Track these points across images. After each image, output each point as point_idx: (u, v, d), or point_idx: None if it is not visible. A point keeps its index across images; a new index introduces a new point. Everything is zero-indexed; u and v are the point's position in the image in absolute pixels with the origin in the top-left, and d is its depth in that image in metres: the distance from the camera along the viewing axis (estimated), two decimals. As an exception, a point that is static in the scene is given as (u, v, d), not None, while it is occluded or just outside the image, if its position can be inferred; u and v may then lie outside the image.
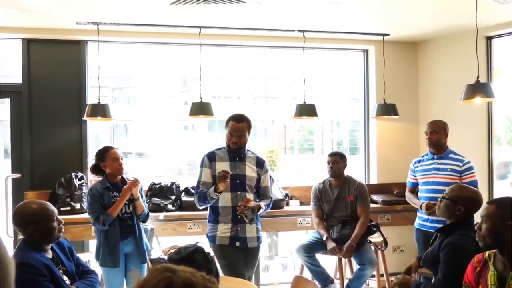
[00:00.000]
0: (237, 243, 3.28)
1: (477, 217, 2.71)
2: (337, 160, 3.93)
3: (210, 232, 3.36)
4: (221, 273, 3.35)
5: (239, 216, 3.23)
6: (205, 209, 3.54)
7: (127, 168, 3.52)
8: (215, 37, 4.52)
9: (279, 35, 4.54)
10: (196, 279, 1.02)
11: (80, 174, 4.32)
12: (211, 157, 3.38)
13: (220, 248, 3.30)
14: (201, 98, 4.08)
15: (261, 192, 3.46)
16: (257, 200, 3.38)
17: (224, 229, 3.29)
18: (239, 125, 3.29)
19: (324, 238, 3.83)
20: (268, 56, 5.42)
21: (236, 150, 3.34)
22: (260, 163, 3.44)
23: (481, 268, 2.12)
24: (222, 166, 3.31)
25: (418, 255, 3.70)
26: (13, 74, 4.46)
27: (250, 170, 3.36)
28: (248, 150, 3.44)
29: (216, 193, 3.18)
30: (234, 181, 3.25)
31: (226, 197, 3.26)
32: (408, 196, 4.01)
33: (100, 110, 3.98)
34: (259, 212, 3.31)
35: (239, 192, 3.28)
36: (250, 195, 3.29)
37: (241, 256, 3.31)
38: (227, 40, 4.65)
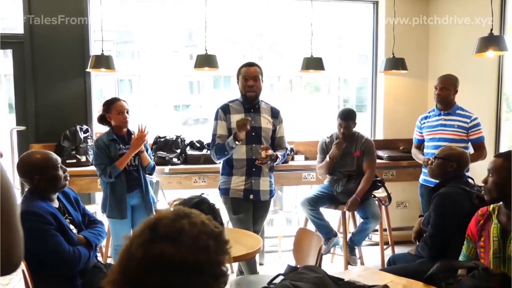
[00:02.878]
0: (251, 196, 3.29)
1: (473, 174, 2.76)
2: (349, 125, 3.86)
3: (223, 184, 3.36)
4: (226, 225, 3.40)
5: (254, 169, 3.24)
6: (214, 163, 3.53)
7: (132, 121, 3.49)
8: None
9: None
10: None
11: (85, 127, 4.32)
12: (225, 110, 3.34)
13: (232, 201, 3.32)
14: (206, 50, 4.00)
15: (276, 142, 3.44)
16: (273, 151, 3.36)
17: (238, 182, 3.29)
18: (251, 69, 3.27)
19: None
20: (275, 10, 5.27)
21: (251, 100, 3.28)
22: (275, 114, 3.40)
23: (485, 221, 2.13)
24: (237, 118, 3.27)
25: (422, 212, 3.74)
26: (15, 27, 4.39)
27: (266, 122, 3.33)
28: (262, 100, 3.40)
29: (236, 142, 3.15)
30: (250, 134, 3.23)
31: (241, 149, 3.25)
32: (414, 152, 4.00)
33: (104, 62, 3.92)
34: (276, 163, 3.31)
35: (254, 145, 3.26)
36: (265, 145, 3.26)
37: (251, 210, 3.34)
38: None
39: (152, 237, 0.99)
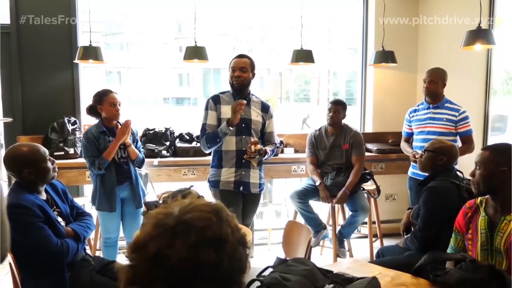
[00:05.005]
0: (241, 188, 3.29)
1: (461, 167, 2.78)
2: (339, 110, 3.89)
3: (212, 177, 3.35)
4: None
5: (243, 161, 3.23)
6: (203, 155, 3.49)
7: (123, 114, 3.45)
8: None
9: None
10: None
11: (73, 119, 4.27)
12: (216, 100, 3.33)
13: (222, 193, 3.30)
14: (195, 42, 3.97)
15: (266, 137, 3.43)
16: (262, 146, 3.36)
17: (228, 174, 3.28)
18: (240, 60, 3.26)
19: (317, 183, 3.86)
20: (265, 2, 5.24)
21: (240, 89, 3.27)
22: (265, 108, 3.39)
23: (472, 214, 2.14)
24: (227, 109, 3.25)
25: (410, 205, 3.77)
26: (1, 17, 4.31)
27: (256, 114, 3.33)
28: (252, 94, 3.39)
29: (229, 128, 3.13)
30: (240, 125, 3.21)
31: (230, 140, 3.24)
32: (403, 145, 4.02)
33: (92, 53, 3.87)
34: (265, 157, 3.30)
35: (244, 136, 3.25)
36: (255, 140, 3.25)
37: (241, 203, 3.33)
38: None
39: (199, 242, 0.94)
